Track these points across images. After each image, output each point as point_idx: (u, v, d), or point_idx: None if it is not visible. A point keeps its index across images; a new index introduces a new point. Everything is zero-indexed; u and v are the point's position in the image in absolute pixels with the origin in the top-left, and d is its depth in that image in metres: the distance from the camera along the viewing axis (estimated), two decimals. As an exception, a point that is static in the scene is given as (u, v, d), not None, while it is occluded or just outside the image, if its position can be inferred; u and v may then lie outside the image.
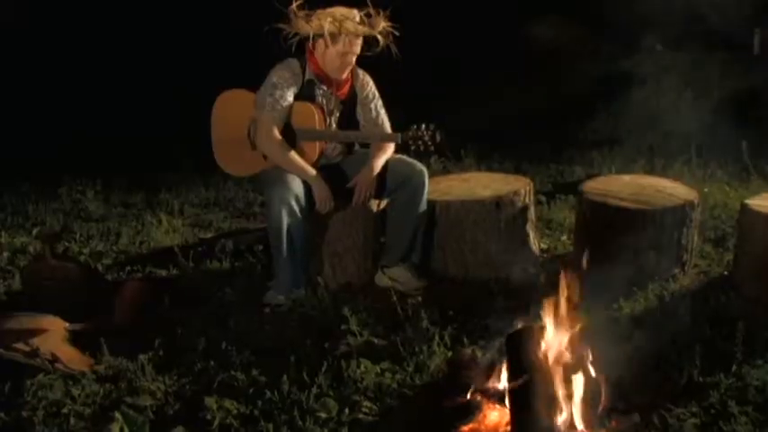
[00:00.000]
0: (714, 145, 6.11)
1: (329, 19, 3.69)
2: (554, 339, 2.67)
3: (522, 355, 2.57)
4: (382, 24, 3.76)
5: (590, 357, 2.67)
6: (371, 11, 3.75)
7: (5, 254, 4.81)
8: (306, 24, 3.73)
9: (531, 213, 4.27)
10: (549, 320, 2.73)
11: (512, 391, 2.54)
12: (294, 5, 3.70)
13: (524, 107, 8.56)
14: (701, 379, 2.88)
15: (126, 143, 7.83)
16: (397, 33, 3.78)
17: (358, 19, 3.73)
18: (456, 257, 4.13)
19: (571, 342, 2.67)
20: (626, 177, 4.50)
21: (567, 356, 2.63)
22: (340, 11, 3.73)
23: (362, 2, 3.77)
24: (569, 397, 2.53)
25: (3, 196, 6.33)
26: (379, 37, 3.76)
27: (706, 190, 5.27)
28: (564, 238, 4.68)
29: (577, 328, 2.70)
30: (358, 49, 3.81)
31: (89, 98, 8.92)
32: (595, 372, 2.64)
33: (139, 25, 9.70)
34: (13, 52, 9.22)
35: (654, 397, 2.76)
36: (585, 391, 2.57)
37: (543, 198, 5.45)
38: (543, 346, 2.61)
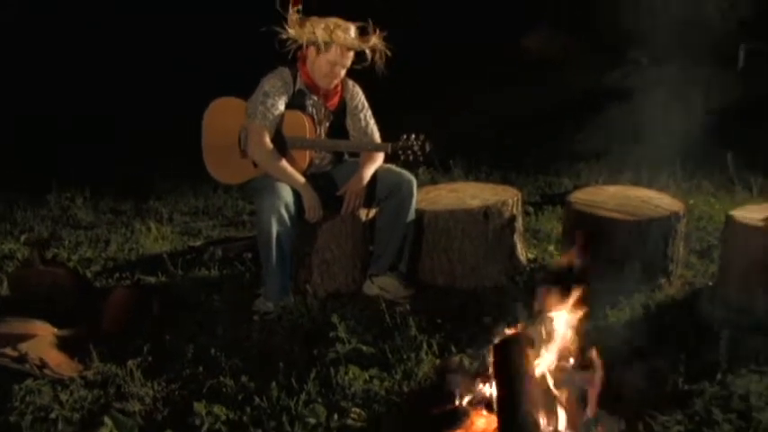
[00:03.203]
0: (700, 157, 6.17)
1: (321, 26, 3.72)
2: (541, 347, 2.70)
3: (510, 362, 2.59)
4: (374, 41, 3.79)
5: (576, 365, 2.70)
6: (369, 27, 3.78)
7: (-6, 259, 4.81)
8: (299, 29, 3.76)
9: (519, 224, 4.31)
10: (535, 329, 2.76)
11: (499, 398, 2.57)
12: (292, 10, 3.73)
13: (511, 118, 8.62)
14: (686, 387, 2.91)
15: (115, 150, 7.83)
16: (389, 54, 3.82)
17: (353, 32, 3.76)
18: (444, 267, 4.15)
19: (557, 350, 2.70)
20: (612, 188, 4.52)
21: (554, 364, 2.66)
22: (334, 20, 3.77)
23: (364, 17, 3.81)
24: (556, 404, 2.56)
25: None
26: (368, 52, 3.79)
27: (692, 201, 5.31)
28: (551, 248, 4.71)
29: (564, 336, 2.74)
30: (348, 62, 3.83)
31: (79, 104, 8.90)
32: (581, 379, 2.67)
33: (132, 31, 9.69)
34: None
35: (639, 404, 2.79)
36: (572, 399, 2.60)
37: (531, 209, 5.49)
38: (530, 354, 2.64)
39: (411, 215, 3.97)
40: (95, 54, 9.53)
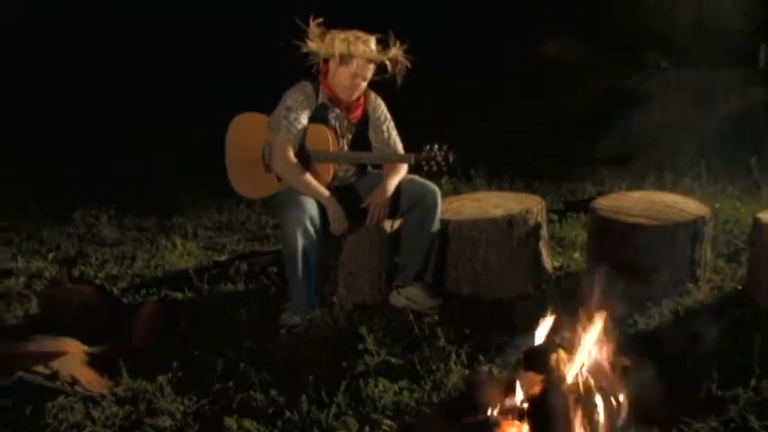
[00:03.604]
0: (723, 160, 6.14)
1: (341, 38, 3.75)
2: (571, 356, 2.68)
3: (541, 371, 2.58)
4: (394, 52, 3.80)
5: (608, 373, 2.68)
6: (390, 40, 3.80)
7: (22, 278, 4.84)
8: (319, 43, 3.78)
9: (544, 231, 4.29)
10: (565, 337, 2.74)
11: (530, 408, 2.55)
12: (313, 24, 3.76)
13: (532, 125, 8.61)
14: (719, 393, 2.88)
15: (138, 167, 7.90)
16: (409, 66, 3.83)
17: (373, 44, 3.78)
18: (469, 276, 4.14)
19: (589, 358, 2.68)
20: (636, 194, 4.50)
21: (586, 372, 2.64)
22: (354, 33, 3.79)
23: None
24: (588, 413, 2.54)
25: (17, 221, 6.37)
26: (388, 64, 3.81)
27: (717, 205, 5.26)
28: (576, 255, 4.69)
29: (594, 344, 2.72)
30: (368, 75, 3.85)
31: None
32: (614, 387, 2.65)
33: (153, 47, 9.75)
34: (28, 77, 9.28)
35: (673, 411, 2.76)
36: (604, 407, 2.58)
37: (555, 216, 5.47)
38: (561, 362, 2.62)
39: (436, 225, 3.97)
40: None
